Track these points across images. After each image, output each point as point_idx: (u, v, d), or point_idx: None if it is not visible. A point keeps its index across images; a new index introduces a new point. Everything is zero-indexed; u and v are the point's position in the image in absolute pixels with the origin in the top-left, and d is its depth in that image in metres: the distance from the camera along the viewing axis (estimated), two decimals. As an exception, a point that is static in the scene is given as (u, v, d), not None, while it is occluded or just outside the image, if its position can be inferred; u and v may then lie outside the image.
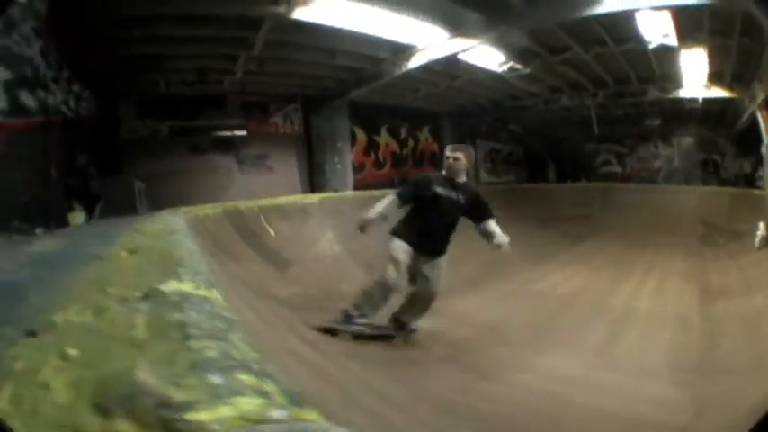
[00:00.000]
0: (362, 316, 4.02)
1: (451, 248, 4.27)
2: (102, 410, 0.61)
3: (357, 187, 11.62)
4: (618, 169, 16.74)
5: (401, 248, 4.02)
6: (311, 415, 0.64)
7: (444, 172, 4.28)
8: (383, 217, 4.21)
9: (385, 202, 4.23)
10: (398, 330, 4.19)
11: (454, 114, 14.65)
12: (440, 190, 4.15)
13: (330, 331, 3.83)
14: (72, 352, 0.83)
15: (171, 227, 2.65)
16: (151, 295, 1.07)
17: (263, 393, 0.68)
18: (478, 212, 4.25)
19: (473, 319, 4.89)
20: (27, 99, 5.15)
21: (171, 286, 1.12)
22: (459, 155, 4.25)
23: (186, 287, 1.12)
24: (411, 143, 14.03)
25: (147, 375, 0.69)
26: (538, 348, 4.13)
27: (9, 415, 0.66)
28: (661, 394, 3.23)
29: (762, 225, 7.35)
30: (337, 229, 6.35)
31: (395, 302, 4.14)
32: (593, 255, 8.49)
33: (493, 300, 5.69)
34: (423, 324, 4.32)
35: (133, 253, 1.77)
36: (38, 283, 1.92)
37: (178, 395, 0.63)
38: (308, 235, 5.62)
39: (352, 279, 5.36)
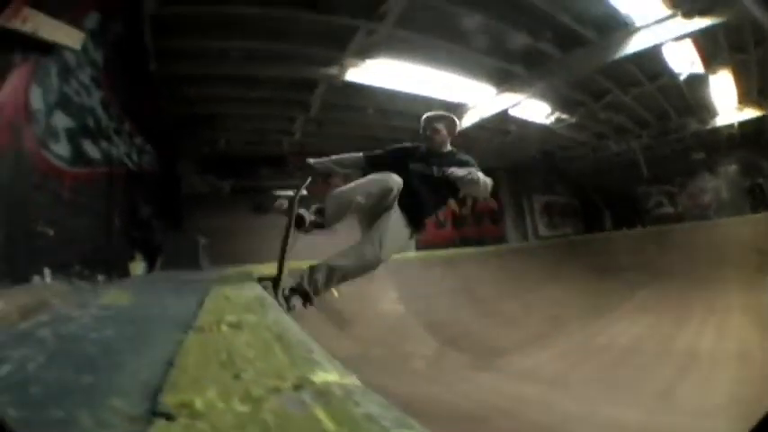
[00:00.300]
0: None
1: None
2: None
3: (419, 248, 11.64)
4: (670, 209, 16.69)
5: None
6: None
7: (425, 144, 3.83)
8: (338, 163, 3.87)
9: (349, 156, 3.91)
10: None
11: (509, 170, 14.76)
12: (417, 166, 3.66)
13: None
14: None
15: (261, 297, 2.61)
16: (304, 386, 0.99)
17: None
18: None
19: (537, 375, 4.83)
20: (90, 149, 5.30)
21: (321, 376, 1.05)
22: (439, 126, 3.79)
23: (334, 377, 1.05)
24: (470, 202, 14.14)
25: None
26: (600, 399, 4.04)
27: None
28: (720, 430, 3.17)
29: None
30: (401, 289, 6.30)
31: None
32: (653, 301, 8.37)
33: (555, 355, 5.61)
34: (487, 380, 4.15)
35: (236, 328, 1.71)
36: (130, 345, 1.84)
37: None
38: (372, 295, 5.56)
39: (416, 339, 5.28)
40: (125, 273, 5.97)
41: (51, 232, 4.21)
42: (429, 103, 8.57)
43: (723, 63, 8.47)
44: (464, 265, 7.75)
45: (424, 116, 3.87)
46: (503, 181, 15.02)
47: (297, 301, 3.61)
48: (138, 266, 6.40)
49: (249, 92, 8.14)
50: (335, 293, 5.47)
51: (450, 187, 3.65)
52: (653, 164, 14.45)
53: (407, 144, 4.09)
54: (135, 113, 6.87)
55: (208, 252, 7.78)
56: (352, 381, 1.03)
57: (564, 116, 10.58)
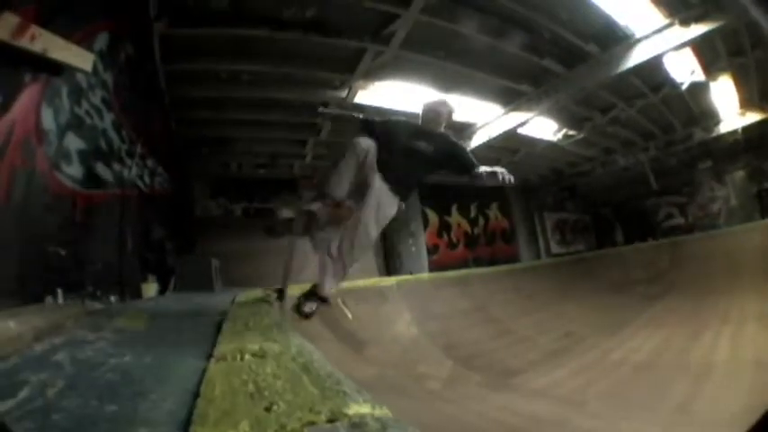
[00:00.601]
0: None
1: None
2: None
3: (432, 269, 11.70)
4: (681, 220, 16.62)
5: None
6: None
7: (421, 123, 4.03)
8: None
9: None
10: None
11: (520, 188, 14.79)
12: (411, 141, 3.84)
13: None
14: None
15: (275, 322, 2.61)
16: (339, 419, 1.00)
17: None
18: (458, 163, 3.88)
19: (551, 394, 4.66)
20: (103, 171, 5.32)
21: (353, 408, 1.05)
22: (439, 109, 4.05)
23: (366, 409, 1.05)
24: (481, 221, 14.27)
25: None
26: (615, 415, 3.92)
27: None
28: None
29: None
30: (415, 311, 6.28)
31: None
32: (668, 314, 8.19)
33: (569, 373, 5.46)
34: (500, 400, 4.10)
35: (260, 357, 1.72)
36: (148, 372, 1.86)
37: None
38: (385, 317, 5.55)
39: (430, 360, 5.23)
40: (138, 294, 6.00)
41: (64, 253, 4.24)
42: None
43: (723, 69, 8.52)
44: (477, 284, 7.69)
45: (425, 102, 4.11)
46: (514, 200, 15.08)
47: (311, 306, 3.96)
48: (150, 288, 6.42)
49: (259, 115, 8.25)
50: (348, 314, 5.47)
51: (434, 164, 3.93)
52: (661, 175, 14.48)
53: (402, 118, 4.44)
54: (146, 135, 6.92)
55: (221, 274, 7.82)
56: (384, 412, 1.03)
57: (571, 132, 10.63)
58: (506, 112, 9.00)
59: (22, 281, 3.58)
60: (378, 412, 1.04)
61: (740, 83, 9.22)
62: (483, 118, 9.26)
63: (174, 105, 7.57)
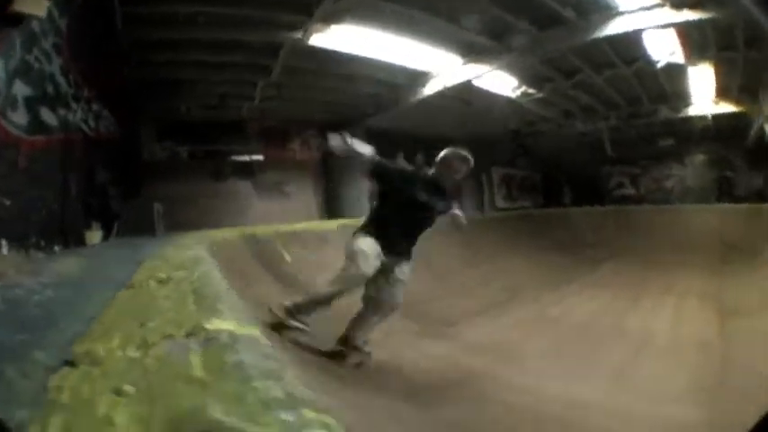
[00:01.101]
0: (306, 313, 3.41)
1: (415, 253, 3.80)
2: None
3: None
4: (632, 191, 16.98)
5: (369, 244, 3.42)
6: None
7: (433, 173, 3.73)
8: (359, 143, 3.67)
9: (364, 147, 3.69)
10: (350, 350, 3.61)
11: (469, 141, 14.77)
12: (422, 195, 3.61)
13: (277, 327, 3.28)
14: (128, 388, 0.84)
15: (197, 256, 2.66)
16: (196, 333, 1.07)
17: (326, 426, 0.75)
18: (446, 206, 3.78)
19: (487, 346, 4.76)
20: (48, 116, 5.14)
21: (215, 324, 1.12)
22: (460, 166, 3.71)
23: (229, 326, 1.12)
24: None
25: (221, 413, 0.73)
26: (552, 374, 3.99)
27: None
28: (679, 417, 3.16)
29: None
30: None
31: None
32: (610, 278, 8.42)
33: (508, 326, 5.56)
34: (436, 349, 4.18)
35: (163, 283, 1.77)
36: (65, 306, 1.92)
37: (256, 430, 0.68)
38: (325, 260, 5.58)
39: None
40: (82, 242, 5.90)
41: (8, 202, 4.14)
42: (392, 69, 8.59)
43: (707, 57, 8.41)
44: None
45: (447, 150, 3.75)
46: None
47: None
48: (94, 235, 6.30)
49: (214, 57, 7.99)
50: (287, 258, 5.53)
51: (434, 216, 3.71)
52: (618, 145, 14.58)
53: (413, 169, 4.18)
54: (96, 79, 6.68)
55: (164, 219, 7.71)
56: (249, 331, 1.11)
57: (531, 91, 10.58)
58: (465, 63, 8.85)
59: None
60: (243, 330, 1.11)
61: (722, 74, 9.11)
62: (440, 67, 9.09)
63: (130, 48, 7.27)
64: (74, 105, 6.02)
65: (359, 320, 3.65)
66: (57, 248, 4.89)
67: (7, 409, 0.81)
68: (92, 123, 6.82)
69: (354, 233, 3.58)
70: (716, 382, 3.67)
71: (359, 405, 2.43)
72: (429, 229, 3.74)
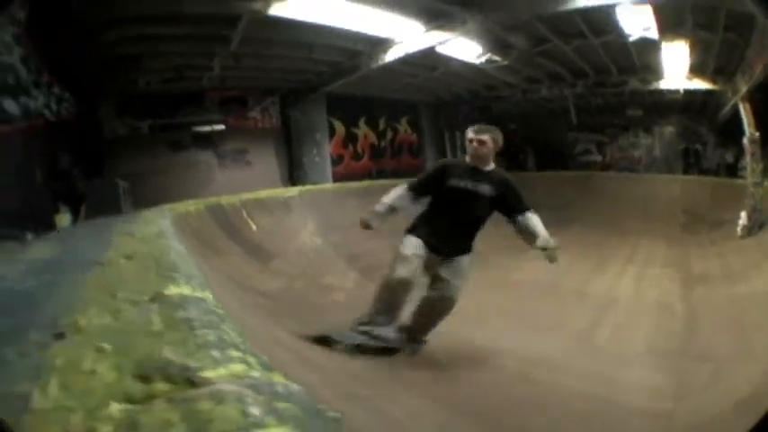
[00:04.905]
0: (374, 325, 3.49)
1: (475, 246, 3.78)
2: (143, 378, 0.89)
3: (336, 179, 11.90)
4: (598, 158, 16.89)
5: (412, 244, 3.47)
6: (277, 377, 0.95)
7: (468, 158, 3.69)
8: (391, 209, 3.69)
9: (394, 194, 3.72)
10: (408, 342, 3.63)
11: (432, 105, 14.86)
12: (458, 182, 3.54)
13: (325, 341, 3.35)
14: (105, 346, 1.09)
15: (160, 230, 2.90)
16: (157, 299, 1.34)
17: (245, 362, 0.99)
18: (510, 205, 3.66)
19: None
20: (10, 106, 5.23)
21: (172, 290, 1.39)
22: (485, 137, 3.61)
23: (184, 290, 1.39)
24: (390, 134, 14.20)
25: (170, 354, 0.99)
26: (516, 335, 4.11)
27: (61, 399, 0.89)
28: (642, 380, 3.29)
29: (744, 214, 7.53)
30: (318, 220, 6.44)
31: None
32: (574, 243, 8.26)
33: (471, 288, 5.80)
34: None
35: (130, 259, 2.03)
36: (47, 289, 2.08)
37: (193, 363, 0.94)
38: (290, 228, 5.75)
39: (335, 271, 5.46)
40: (52, 227, 5.98)
41: None
42: (353, 36, 8.57)
43: (681, 36, 8.22)
44: (380, 195, 7.95)
45: (471, 127, 3.73)
46: (425, 115, 15.11)
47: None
48: (64, 219, 6.38)
49: (172, 29, 7.89)
50: (253, 226, 5.71)
51: (491, 207, 3.66)
52: (585, 113, 14.53)
53: (448, 160, 3.92)
54: (56, 64, 6.69)
55: (130, 196, 7.79)
56: (202, 294, 1.38)
57: (496, 58, 10.49)
58: (428, 30, 8.82)
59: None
60: (196, 294, 1.38)
61: (696, 53, 8.95)
62: (402, 33, 9.05)
63: (82, 26, 7.15)
64: (34, 92, 6.11)
65: (416, 319, 3.65)
66: (29, 236, 4.98)
67: (10, 386, 0.96)
68: (53, 107, 6.84)
69: (405, 232, 3.63)
70: (678, 347, 3.85)
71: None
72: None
